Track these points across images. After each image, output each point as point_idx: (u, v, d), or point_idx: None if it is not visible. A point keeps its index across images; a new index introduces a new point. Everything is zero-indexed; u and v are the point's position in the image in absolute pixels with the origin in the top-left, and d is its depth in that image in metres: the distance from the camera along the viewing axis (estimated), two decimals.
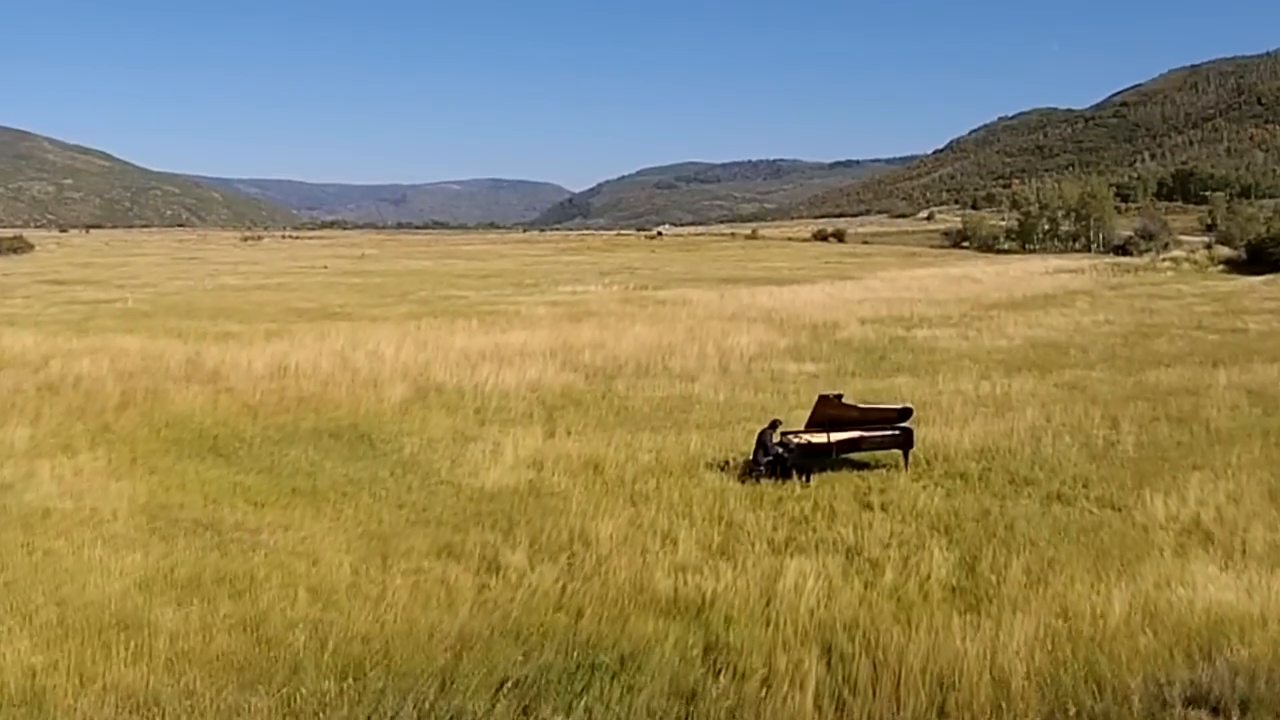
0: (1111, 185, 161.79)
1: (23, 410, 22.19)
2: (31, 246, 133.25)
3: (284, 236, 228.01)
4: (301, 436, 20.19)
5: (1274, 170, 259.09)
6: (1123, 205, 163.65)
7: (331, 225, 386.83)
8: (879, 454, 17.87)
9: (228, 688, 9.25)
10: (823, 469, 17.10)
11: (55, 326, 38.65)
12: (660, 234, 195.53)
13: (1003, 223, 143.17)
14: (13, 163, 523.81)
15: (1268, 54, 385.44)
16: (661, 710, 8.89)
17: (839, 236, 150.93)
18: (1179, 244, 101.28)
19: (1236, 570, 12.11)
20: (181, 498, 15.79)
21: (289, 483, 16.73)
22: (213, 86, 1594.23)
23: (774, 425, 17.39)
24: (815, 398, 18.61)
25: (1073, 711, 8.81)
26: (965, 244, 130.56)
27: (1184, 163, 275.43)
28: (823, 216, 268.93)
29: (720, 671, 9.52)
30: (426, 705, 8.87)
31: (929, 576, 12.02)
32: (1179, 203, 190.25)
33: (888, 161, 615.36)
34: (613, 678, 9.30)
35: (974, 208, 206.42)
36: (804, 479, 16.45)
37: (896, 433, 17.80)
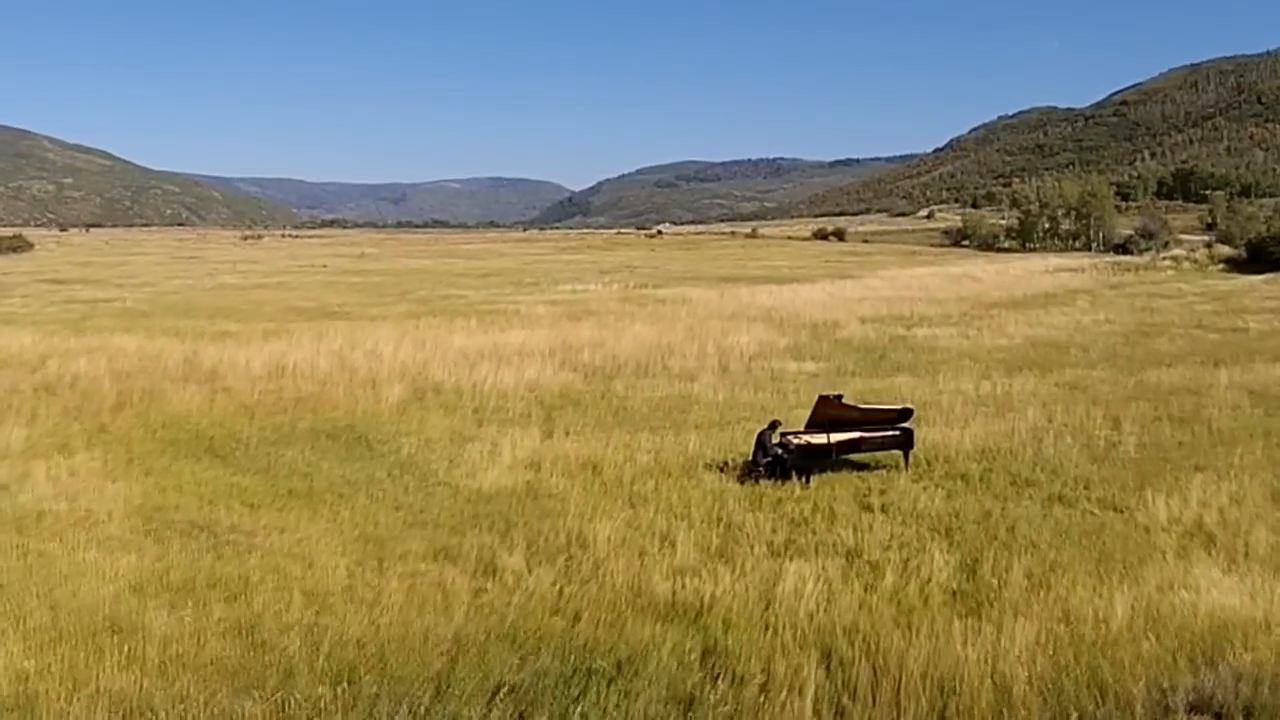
0: (1112, 184, 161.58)
1: (19, 410, 22.11)
2: (31, 245, 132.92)
3: (284, 235, 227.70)
4: (298, 437, 20.09)
5: (1274, 169, 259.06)
6: (1123, 204, 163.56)
7: (331, 224, 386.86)
8: (879, 455, 17.76)
9: (220, 693, 9.15)
10: (822, 470, 17.00)
11: (53, 326, 38.55)
12: (660, 233, 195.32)
13: (1003, 221, 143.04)
14: (13, 161, 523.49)
15: (1268, 53, 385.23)
16: (659, 717, 8.79)
17: (839, 235, 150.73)
18: (1179, 243, 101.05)
19: (1239, 573, 12.00)
20: (177, 499, 15.70)
21: (285, 484, 16.64)
22: (213, 86, 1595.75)
23: (773, 426, 17.29)
24: (815, 397, 18.52)
25: (1075, 719, 8.71)
26: (965, 243, 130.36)
27: (1184, 161, 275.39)
28: (823, 215, 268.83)
29: (718, 677, 9.42)
30: (421, 711, 8.77)
31: (929, 580, 11.92)
32: (1179, 201, 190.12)
33: (888, 160, 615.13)
34: (609, 683, 9.19)
35: (974, 206, 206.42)
36: (803, 480, 16.35)
37: (897, 433, 17.70)
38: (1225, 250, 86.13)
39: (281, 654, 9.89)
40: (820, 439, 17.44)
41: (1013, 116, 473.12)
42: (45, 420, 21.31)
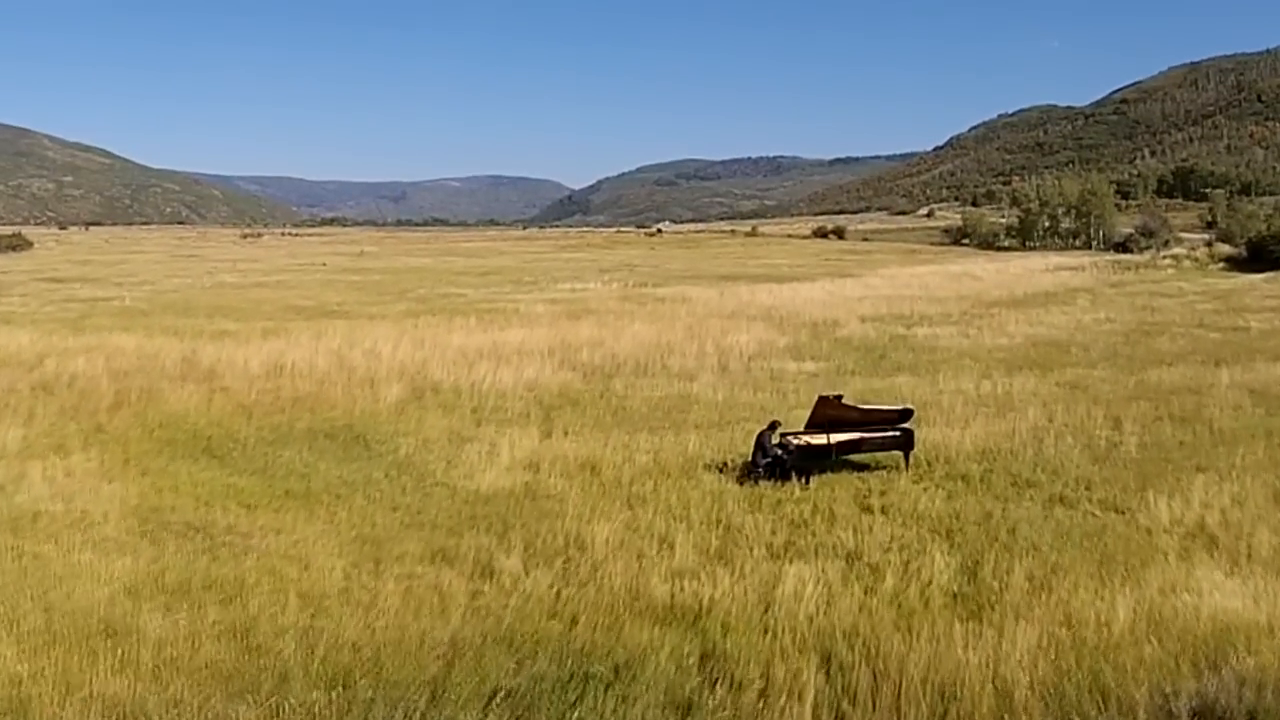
0: (1112, 182, 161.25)
1: (16, 410, 22.03)
2: (30, 244, 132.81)
3: (284, 234, 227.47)
4: (296, 437, 20.01)
5: (1274, 167, 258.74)
6: (1123, 202, 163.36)
7: (331, 222, 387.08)
8: (879, 455, 17.68)
9: (214, 697, 9.07)
10: (822, 471, 16.92)
11: (51, 325, 38.47)
12: (660, 231, 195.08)
13: (1003, 220, 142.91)
14: (13, 160, 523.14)
15: (1268, 51, 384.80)
16: None
17: (839, 233, 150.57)
18: (1179, 241, 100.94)
19: (1242, 576, 11.92)
20: (173, 500, 15.61)
21: (282, 484, 16.55)
22: (213, 84, 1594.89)
23: (773, 426, 17.20)
24: (815, 397, 18.45)
25: None
26: (965, 241, 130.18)
27: (1184, 160, 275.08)
28: (823, 213, 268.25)
29: (717, 682, 9.32)
30: (416, 716, 8.68)
31: (930, 582, 11.83)
32: (1179, 200, 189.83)
33: (888, 158, 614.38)
34: (607, 688, 9.10)
35: (974, 205, 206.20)
36: (803, 481, 16.26)
37: (897, 434, 17.61)
38: (1225, 249, 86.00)
39: (276, 658, 9.80)
40: (820, 439, 17.35)
41: (1013, 115, 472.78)
42: (42, 420, 21.22)
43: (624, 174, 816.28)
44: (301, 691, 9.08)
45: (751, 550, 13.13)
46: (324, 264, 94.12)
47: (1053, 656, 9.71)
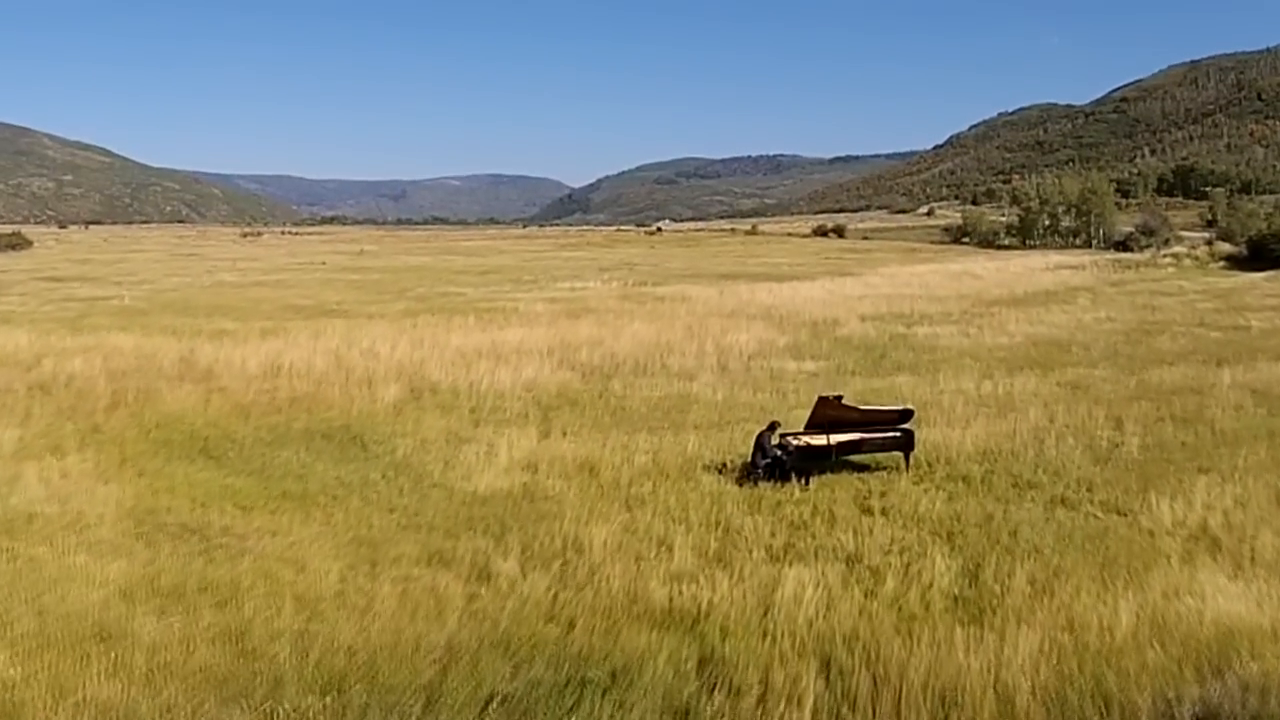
0: (1112, 181, 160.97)
1: (12, 410, 21.95)
2: (30, 243, 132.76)
3: (284, 232, 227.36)
4: (293, 437, 19.90)
5: (1274, 166, 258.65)
6: (1123, 201, 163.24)
7: (331, 221, 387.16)
8: (879, 456, 17.57)
9: (207, 702, 8.98)
10: (822, 472, 16.80)
11: (49, 324, 38.37)
12: (660, 230, 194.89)
13: (1003, 218, 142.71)
14: (13, 159, 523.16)
15: (1268, 50, 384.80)
16: None
17: (839, 232, 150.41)
18: (1180, 240, 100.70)
19: (1246, 580, 11.80)
20: (169, 501, 15.51)
21: (279, 486, 16.45)
22: (213, 82, 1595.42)
23: (772, 427, 17.10)
24: (815, 397, 18.35)
25: None
26: (965, 240, 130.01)
27: (1184, 158, 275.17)
28: (823, 212, 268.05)
29: (715, 687, 9.21)
30: None
31: (931, 585, 11.72)
32: (1179, 198, 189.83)
33: (888, 157, 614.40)
34: (604, 694, 8.99)
35: (974, 203, 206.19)
36: (803, 482, 16.15)
37: (897, 434, 17.50)
38: (1226, 247, 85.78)
39: (270, 662, 9.70)
40: (820, 440, 17.24)
41: (1013, 113, 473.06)
42: (39, 420, 21.13)
43: (624, 172, 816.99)
44: (295, 697, 8.98)
45: (751, 553, 13.02)
46: (323, 263, 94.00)
47: (1055, 662, 9.59)
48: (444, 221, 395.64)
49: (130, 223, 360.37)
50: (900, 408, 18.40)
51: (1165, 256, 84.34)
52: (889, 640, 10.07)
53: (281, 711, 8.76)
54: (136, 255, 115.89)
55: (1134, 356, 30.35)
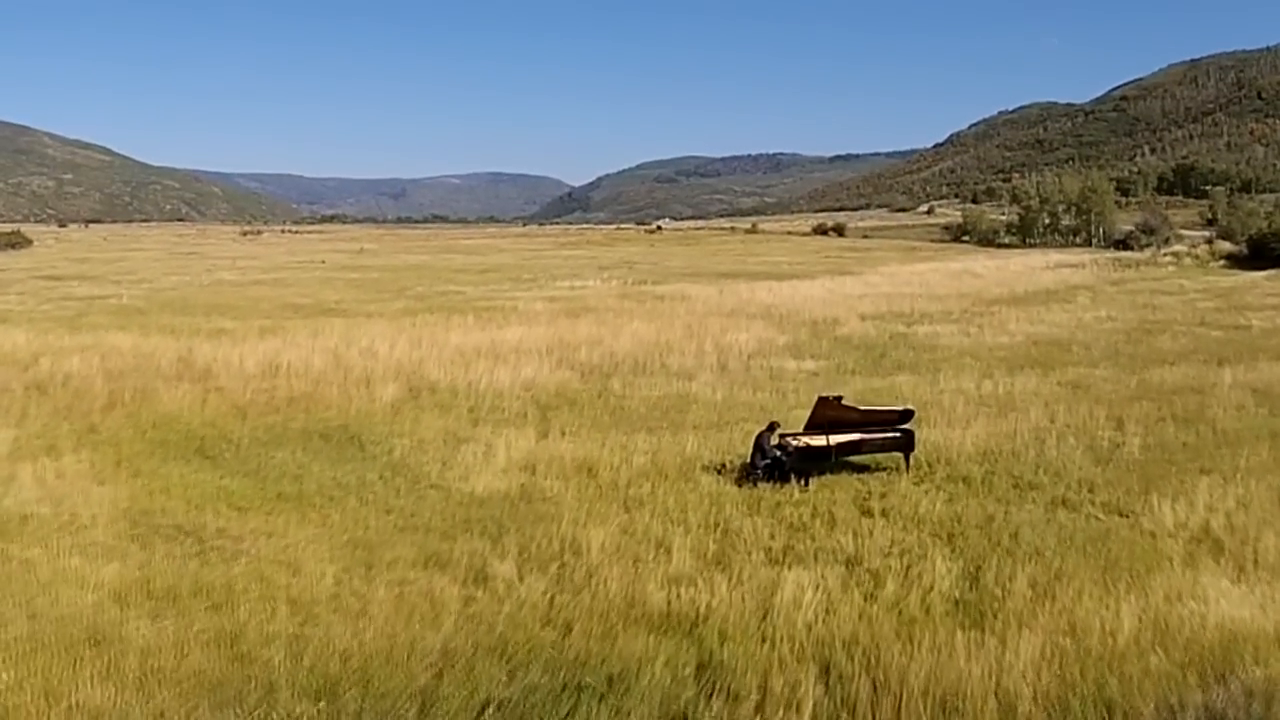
0: (1112, 180, 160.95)
1: (8, 410, 21.85)
2: (30, 242, 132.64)
3: (283, 231, 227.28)
4: (290, 438, 19.79)
5: (1274, 165, 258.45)
6: (1123, 200, 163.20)
7: (331, 219, 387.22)
8: (879, 456, 17.45)
9: (200, 708, 8.88)
10: (822, 472, 16.68)
11: (48, 323, 38.25)
12: (660, 228, 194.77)
13: (1003, 217, 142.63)
14: (13, 158, 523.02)
15: (1268, 48, 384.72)
16: None
17: (839, 231, 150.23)
18: (1180, 239, 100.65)
19: (1249, 583, 11.69)
20: (164, 502, 15.40)
21: (275, 487, 16.33)
22: (213, 81, 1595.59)
23: (772, 427, 16.99)
24: (815, 397, 18.24)
25: None
26: (965, 238, 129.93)
27: (1184, 157, 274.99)
28: (822, 210, 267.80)
29: (713, 693, 9.09)
30: None
31: (931, 588, 11.60)
32: (1179, 197, 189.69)
33: (888, 155, 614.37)
34: (600, 700, 8.88)
35: (974, 202, 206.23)
36: (803, 483, 16.05)
37: (897, 435, 17.39)
38: (1226, 246, 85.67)
39: (264, 667, 9.59)
40: (819, 441, 17.13)
41: (1013, 112, 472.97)
42: (35, 420, 21.03)
43: (624, 171, 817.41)
44: (288, 702, 8.88)
45: (750, 555, 12.90)
46: (323, 261, 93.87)
47: (1057, 667, 9.48)
48: (444, 220, 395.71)
49: (130, 221, 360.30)
50: (900, 408, 18.29)
51: (1165, 255, 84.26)
52: (889, 645, 9.96)
53: (275, 717, 8.67)
54: (136, 254, 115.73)
55: (1135, 356, 30.24)
